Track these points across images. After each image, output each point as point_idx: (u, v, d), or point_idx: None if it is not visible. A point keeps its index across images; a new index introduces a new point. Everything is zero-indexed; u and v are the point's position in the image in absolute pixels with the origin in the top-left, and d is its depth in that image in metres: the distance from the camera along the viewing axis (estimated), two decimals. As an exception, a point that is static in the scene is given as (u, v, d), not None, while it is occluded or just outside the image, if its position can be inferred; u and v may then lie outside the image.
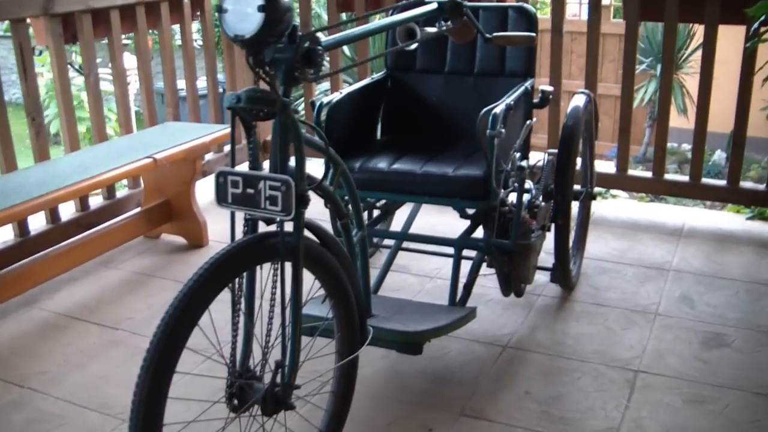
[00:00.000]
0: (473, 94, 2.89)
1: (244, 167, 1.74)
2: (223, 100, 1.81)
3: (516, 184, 2.39)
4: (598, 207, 3.86)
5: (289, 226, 1.73)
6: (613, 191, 4.04)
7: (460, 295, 2.53)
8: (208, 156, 4.13)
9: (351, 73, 7.04)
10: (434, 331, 2.25)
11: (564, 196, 2.69)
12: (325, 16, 7.23)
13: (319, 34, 1.69)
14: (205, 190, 3.96)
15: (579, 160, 2.94)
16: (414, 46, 2.21)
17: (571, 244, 2.98)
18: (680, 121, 7.74)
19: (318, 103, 2.55)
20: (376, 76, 2.95)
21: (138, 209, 3.63)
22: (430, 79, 2.96)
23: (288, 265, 1.72)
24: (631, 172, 3.80)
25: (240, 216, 1.74)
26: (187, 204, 3.57)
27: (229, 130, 3.70)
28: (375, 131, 2.98)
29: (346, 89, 2.72)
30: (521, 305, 2.91)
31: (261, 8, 1.55)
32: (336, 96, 2.62)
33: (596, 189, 3.91)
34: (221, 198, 1.71)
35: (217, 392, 1.82)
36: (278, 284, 1.71)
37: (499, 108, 2.33)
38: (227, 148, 4.22)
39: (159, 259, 3.49)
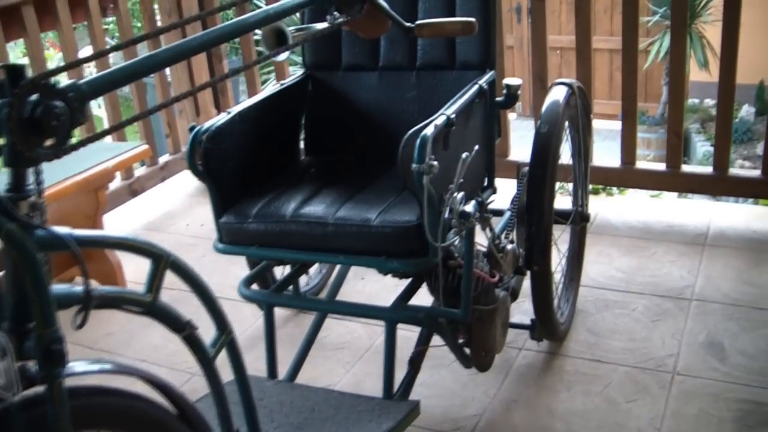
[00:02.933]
0: (416, 94, 2.20)
1: None
2: None
3: (462, 235, 1.69)
4: (600, 207, 3.15)
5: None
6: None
7: (400, 383, 1.86)
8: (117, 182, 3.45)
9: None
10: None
11: (539, 231, 1.99)
12: None
13: (61, 78, 1.01)
14: (117, 224, 3.34)
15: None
16: (284, 56, 1.52)
17: (558, 284, 2.29)
18: (701, 74, 6.92)
19: (193, 133, 1.87)
20: (290, 79, 2.26)
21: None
22: (361, 78, 2.26)
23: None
24: (640, 165, 3.07)
25: None
26: (95, 242, 2.91)
27: (144, 148, 3.07)
28: (295, 152, 2.29)
29: (238, 106, 2.03)
30: (495, 367, 2.23)
31: None
32: (219, 119, 1.93)
33: (598, 185, 3.21)
34: None
35: None
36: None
37: (429, 129, 1.64)
38: (138, 172, 3.53)
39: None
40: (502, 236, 2.07)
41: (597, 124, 7.46)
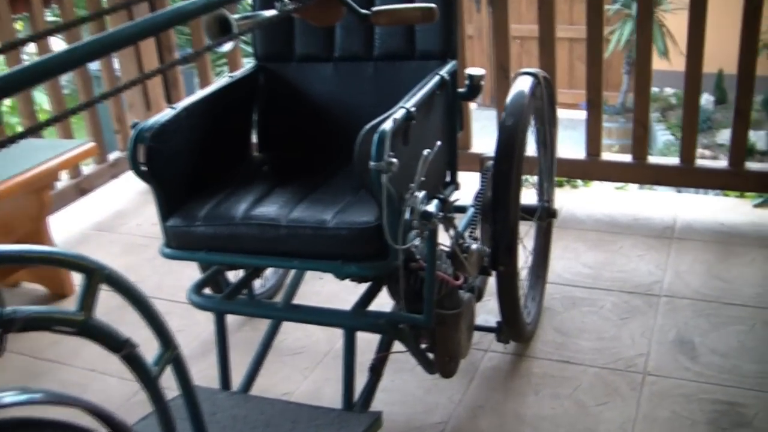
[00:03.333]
0: (374, 86, 2.09)
1: None
2: None
3: (425, 236, 1.58)
4: (565, 200, 3.07)
5: None
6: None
7: (361, 392, 1.76)
8: (64, 181, 3.29)
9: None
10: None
11: (505, 229, 1.90)
12: None
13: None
14: (65, 225, 3.18)
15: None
16: (229, 46, 1.40)
17: (524, 282, 2.20)
18: (661, 63, 6.91)
19: (135, 131, 1.74)
20: (239, 72, 2.13)
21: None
22: (316, 69, 2.14)
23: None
24: (605, 156, 2.99)
25: None
26: (39, 245, 2.76)
27: (91, 145, 2.92)
28: (247, 149, 2.17)
29: (185, 101, 1.90)
30: (460, 370, 2.14)
31: None
32: (164, 115, 1.80)
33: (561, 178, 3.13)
34: None
35: None
36: None
37: (388, 123, 1.53)
38: (87, 170, 3.37)
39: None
40: (466, 234, 1.98)
41: (558, 113, 7.37)
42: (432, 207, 1.51)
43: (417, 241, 1.64)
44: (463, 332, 1.79)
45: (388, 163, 1.47)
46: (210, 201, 1.83)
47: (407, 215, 1.49)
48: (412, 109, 1.62)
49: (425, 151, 1.46)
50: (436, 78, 1.85)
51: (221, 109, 2.01)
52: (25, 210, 2.71)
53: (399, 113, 1.60)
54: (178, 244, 1.81)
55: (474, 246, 1.82)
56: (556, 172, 2.95)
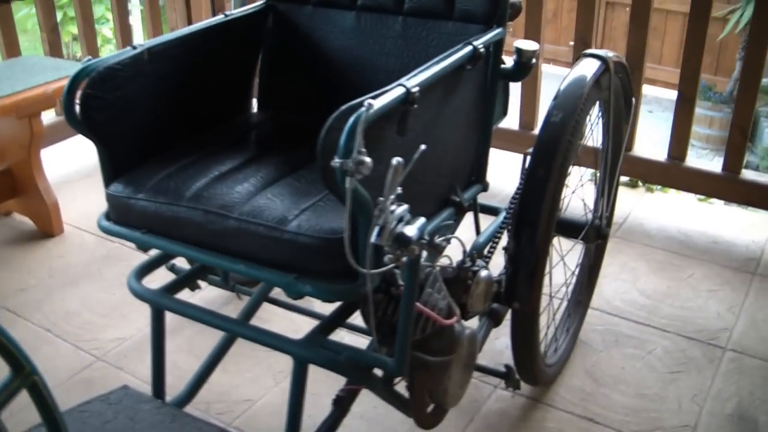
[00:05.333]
0: (401, 47, 1.67)
1: None
2: None
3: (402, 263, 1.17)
4: (635, 205, 2.61)
5: None
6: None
7: (317, 428, 1.40)
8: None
9: None
10: None
11: (529, 254, 1.47)
12: None
13: None
14: (63, 160, 2.91)
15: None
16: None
17: (556, 310, 1.78)
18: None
19: (75, 72, 1.39)
20: (242, 9, 1.74)
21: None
22: (334, 17, 1.73)
23: None
24: (690, 162, 2.50)
25: None
26: (30, 177, 2.49)
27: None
28: (244, 105, 1.80)
29: (153, 40, 1.53)
30: (458, 407, 1.76)
31: None
32: (116, 56, 1.44)
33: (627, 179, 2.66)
34: None
35: None
36: None
37: (369, 107, 1.12)
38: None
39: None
40: (485, 248, 1.57)
41: (661, 93, 6.66)
42: (412, 230, 1.10)
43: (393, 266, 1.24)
44: (455, 378, 1.39)
45: (357, 163, 1.07)
46: (167, 168, 1.47)
47: (373, 237, 1.08)
48: (415, 89, 1.21)
49: (395, 160, 1.05)
50: (467, 49, 1.43)
51: (207, 56, 1.63)
52: (15, 137, 2.43)
53: (394, 92, 1.19)
54: (117, 217, 1.47)
55: (483, 273, 1.41)
56: (630, 171, 2.49)
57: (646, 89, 5.75)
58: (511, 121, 2.79)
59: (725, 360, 1.90)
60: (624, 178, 2.73)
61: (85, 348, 2.00)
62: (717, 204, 2.65)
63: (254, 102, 1.85)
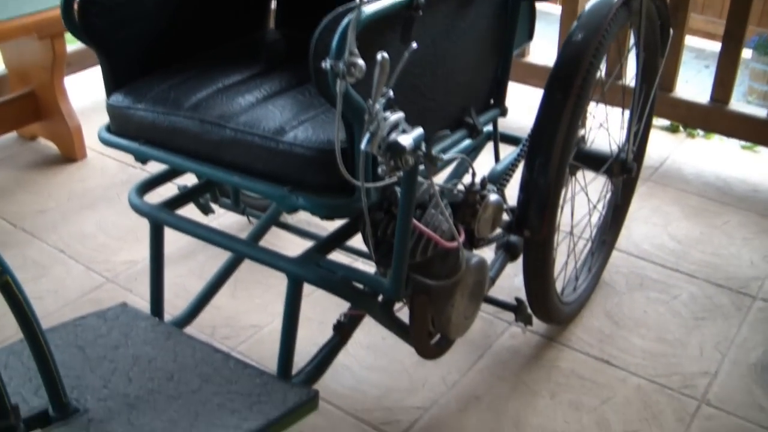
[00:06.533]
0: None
1: None
2: None
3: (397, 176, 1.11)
4: (674, 150, 2.49)
5: None
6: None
7: (315, 354, 1.36)
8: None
9: None
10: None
11: (540, 180, 1.39)
12: None
13: None
14: (90, 87, 2.87)
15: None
16: None
17: (582, 248, 1.71)
18: None
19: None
20: None
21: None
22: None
23: None
24: (734, 106, 2.37)
25: None
26: (53, 100, 2.47)
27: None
28: (260, 19, 1.73)
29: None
30: (469, 342, 1.70)
31: None
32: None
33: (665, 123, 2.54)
34: None
35: None
36: None
37: (365, 8, 1.04)
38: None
39: (12, 172, 2.45)
40: (502, 178, 1.50)
41: (708, 45, 6.27)
42: (406, 139, 1.03)
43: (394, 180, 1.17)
44: (459, 306, 1.33)
45: (349, 64, 1.00)
46: (170, 80, 1.42)
47: (363, 143, 1.02)
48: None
49: (380, 55, 0.97)
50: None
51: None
52: (38, 58, 2.40)
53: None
54: (116, 128, 1.42)
55: (493, 197, 1.33)
56: (670, 114, 2.37)
57: (705, 43, 5.48)
58: (543, 55, 2.69)
59: (754, 309, 1.80)
60: (664, 122, 2.61)
61: (96, 269, 1.98)
62: (762, 153, 2.51)
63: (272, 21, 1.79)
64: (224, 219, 2.11)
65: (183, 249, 2.02)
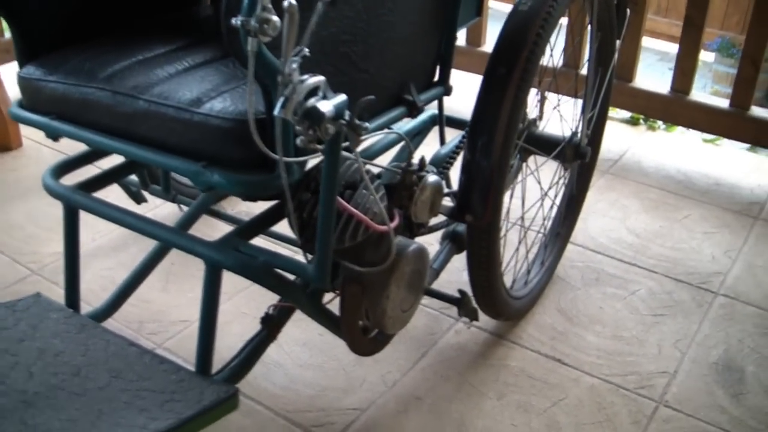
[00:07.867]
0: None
1: None
2: None
3: (318, 147, 1.00)
4: (634, 142, 2.42)
5: None
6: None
7: (240, 350, 1.25)
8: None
9: None
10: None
11: (483, 162, 1.29)
12: None
13: None
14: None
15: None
16: None
17: (533, 240, 1.61)
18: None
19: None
20: None
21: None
22: None
23: None
24: (695, 96, 2.29)
25: None
26: (-16, 85, 2.33)
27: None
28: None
29: None
30: (413, 339, 1.60)
31: None
32: None
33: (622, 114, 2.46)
34: None
35: None
36: None
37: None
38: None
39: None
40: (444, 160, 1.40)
41: (672, 48, 6.27)
42: (326, 105, 0.93)
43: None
44: (395, 298, 1.23)
45: (261, 21, 0.89)
46: (88, 51, 1.30)
47: (277, 109, 0.91)
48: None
49: (286, 2, 0.87)
50: None
51: None
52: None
53: None
54: (28, 103, 1.31)
55: (431, 178, 1.23)
56: (630, 105, 2.29)
57: (669, 46, 5.43)
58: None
59: (715, 305, 1.72)
60: (624, 115, 2.53)
61: (22, 261, 1.85)
62: (724, 146, 2.44)
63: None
64: (160, 210, 1.99)
65: (114, 240, 1.90)
